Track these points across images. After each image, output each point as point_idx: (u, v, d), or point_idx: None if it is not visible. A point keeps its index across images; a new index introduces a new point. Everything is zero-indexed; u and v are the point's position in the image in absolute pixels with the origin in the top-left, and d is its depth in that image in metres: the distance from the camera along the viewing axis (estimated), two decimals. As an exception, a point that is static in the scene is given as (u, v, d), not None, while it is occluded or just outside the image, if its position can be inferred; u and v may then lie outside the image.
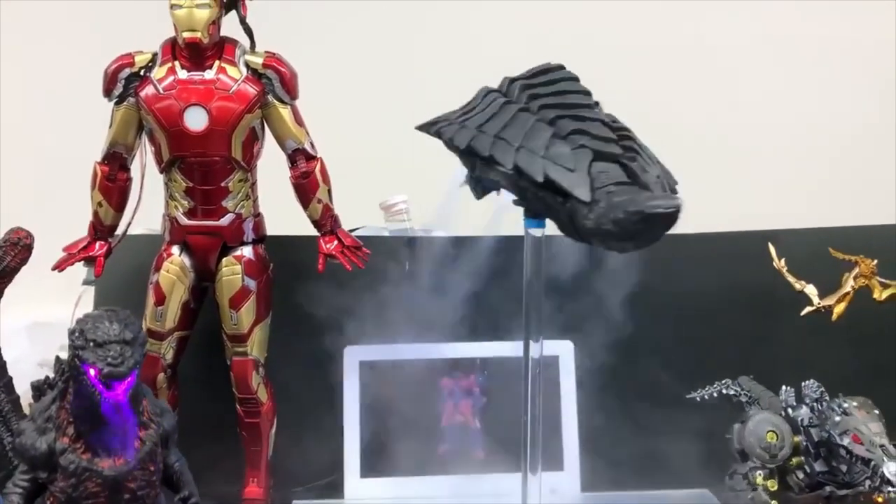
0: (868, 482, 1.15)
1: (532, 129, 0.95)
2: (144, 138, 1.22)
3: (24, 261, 0.95)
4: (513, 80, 1.08)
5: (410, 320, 1.39)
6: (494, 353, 1.41)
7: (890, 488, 1.10)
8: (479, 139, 0.98)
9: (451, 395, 1.40)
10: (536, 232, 1.10)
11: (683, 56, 1.86)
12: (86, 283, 1.38)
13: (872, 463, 1.10)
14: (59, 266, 1.22)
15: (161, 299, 1.20)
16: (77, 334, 0.77)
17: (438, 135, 1.07)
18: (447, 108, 1.25)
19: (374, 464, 1.36)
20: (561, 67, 1.07)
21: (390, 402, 1.39)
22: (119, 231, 1.27)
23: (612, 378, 1.42)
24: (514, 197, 1.07)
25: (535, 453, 1.13)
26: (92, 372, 0.76)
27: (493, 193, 1.23)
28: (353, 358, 1.39)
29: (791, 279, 1.29)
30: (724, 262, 1.44)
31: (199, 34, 1.13)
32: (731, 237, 1.46)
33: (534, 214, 1.01)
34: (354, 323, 1.39)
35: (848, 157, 1.77)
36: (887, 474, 1.07)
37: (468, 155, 1.01)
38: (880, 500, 1.16)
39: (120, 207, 1.24)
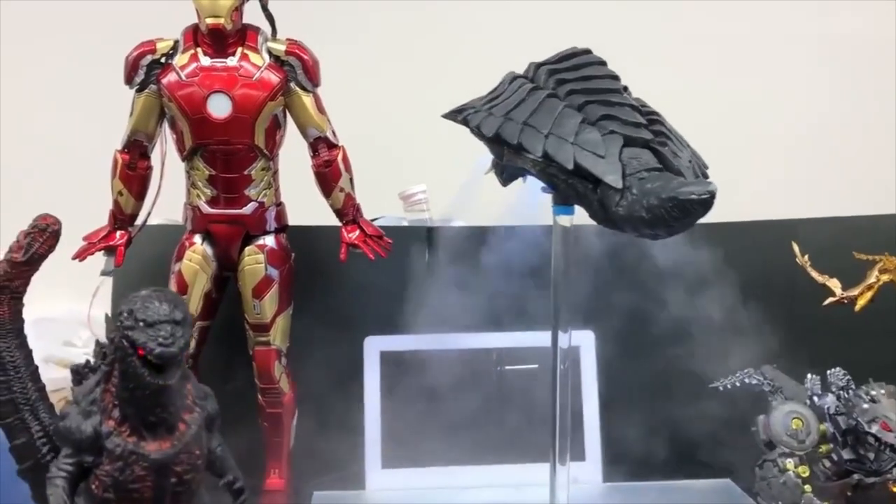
0: (895, 471, 1.15)
1: (561, 115, 0.94)
2: (165, 126, 1.21)
3: (51, 248, 0.93)
4: (539, 65, 1.07)
5: (431, 310, 1.38)
6: (515, 343, 1.41)
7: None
8: (507, 127, 0.97)
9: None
10: (564, 220, 1.09)
11: (699, 49, 1.85)
12: (104, 273, 1.36)
13: None
14: (80, 255, 1.21)
15: (183, 289, 1.19)
16: (126, 315, 0.76)
17: (465, 123, 1.06)
18: (466, 96, 1.24)
19: (395, 454, 1.35)
20: (587, 52, 1.06)
21: (411, 393, 1.38)
22: (139, 221, 1.25)
23: (633, 368, 1.42)
24: (541, 184, 1.07)
25: (563, 444, 1.13)
26: (141, 353, 0.75)
27: (520, 180, 1.23)
28: (374, 348, 1.39)
29: (815, 274, 1.28)
30: (745, 251, 1.43)
31: (222, 20, 1.12)
32: (751, 226, 1.45)
33: (563, 201, 1.00)
34: (375, 313, 1.39)
35: (868, 147, 1.77)
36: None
37: (496, 143, 1.00)
38: None
39: (140, 196, 1.23)
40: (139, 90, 1.17)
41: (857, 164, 1.75)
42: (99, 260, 1.27)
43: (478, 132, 1.02)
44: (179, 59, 1.16)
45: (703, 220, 1.42)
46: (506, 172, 1.16)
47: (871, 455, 1.15)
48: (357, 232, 1.24)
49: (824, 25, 1.88)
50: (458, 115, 1.07)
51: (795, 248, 1.31)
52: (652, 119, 0.96)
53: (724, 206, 1.36)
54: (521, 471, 1.36)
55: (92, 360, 0.84)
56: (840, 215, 1.44)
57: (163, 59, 1.16)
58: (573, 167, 0.89)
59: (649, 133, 0.93)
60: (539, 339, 1.40)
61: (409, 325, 1.39)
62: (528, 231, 1.38)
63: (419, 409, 1.38)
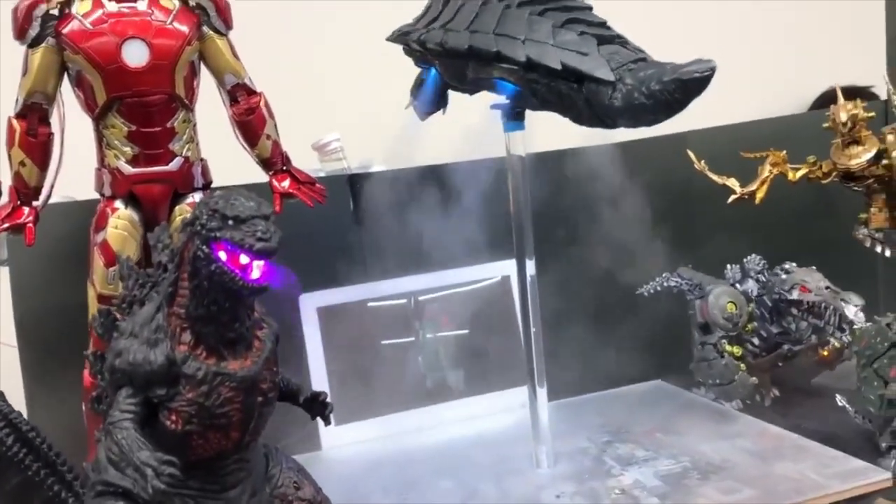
0: (814, 337, 1.27)
1: (529, 21, 0.96)
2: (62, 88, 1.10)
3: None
4: None
5: (364, 259, 1.36)
6: (451, 280, 1.41)
7: (844, 336, 1.22)
8: (479, 39, 0.97)
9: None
10: (516, 136, 1.11)
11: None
12: (-2, 263, 1.22)
13: (823, 304, 1.22)
14: (-15, 237, 1.07)
15: (112, 259, 1.09)
16: (206, 216, 0.67)
17: (421, 43, 1.04)
18: (376, 41, 1.22)
19: (347, 409, 1.32)
20: None
21: (354, 345, 1.36)
22: (43, 195, 1.13)
23: (558, 290, 1.47)
24: (497, 102, 1.08)
25: (540, 367, 1.16)
26: (223, 256, 0.67)
27: (439, 113, 1.23)
28: (310, 305, 1.34)
29: (713, 177, 1.38)
30: (643, 166, 1.52)
31: (128, -40, 1.03)
32: (647, 143, 1.53)
33: (539, 107, 1.00)
34: (306, 269, 1.34)
35: (746, 55, 1.92)
36: (850, 316, 1.20)
37: (465, 57, 0.99)
38: (825, 353, 1.29)
39: (44, 165, 1.11)
40: (33, 45, 1.05)
41: (737, 74, 1.88)
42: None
43: (440, 49, 1.01)
44: (80, 7, 1.05)
45: (597, 142, 1.50)
46: (428, 107, 1.15)
47: (794, 326, 1.27)
48: (288, 180, 1.19)
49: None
50: (407, 37, 1.06)
51: (691, 154, 1.41)
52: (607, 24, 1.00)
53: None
54: (474, 403, 1.38)
55: (137, 292, 0.75)
56: (725, 124, 1.56)
57: (57, 9, 1.05)
58: (561, 67, 0.91)
59: (614, 32, 0.96)
60: (473, 273, 1.43)
61: (343, 278, 1.36)
62: (451, 169, 1.39)
63: (364, 361, 1.36)
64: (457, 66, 1.03)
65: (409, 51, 1.12)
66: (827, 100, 1.71)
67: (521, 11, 0.96)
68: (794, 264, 1.30)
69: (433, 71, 1.10)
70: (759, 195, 1.37)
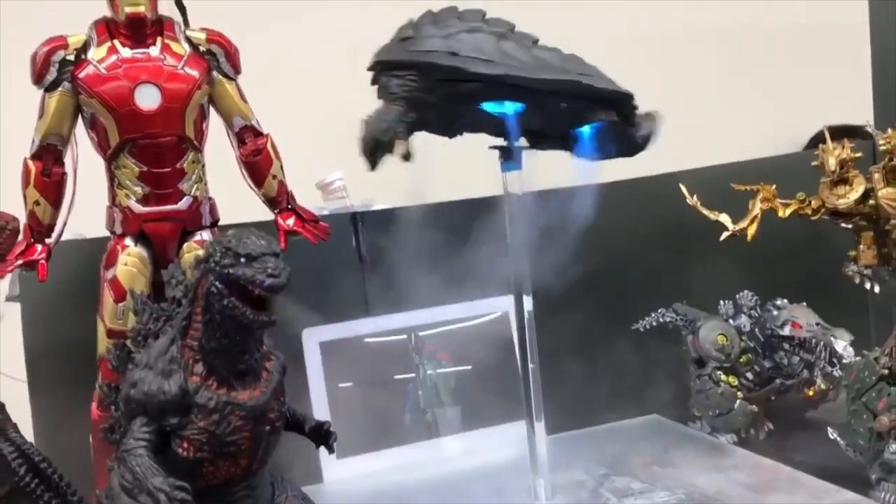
0: (806, 372, 1.30)
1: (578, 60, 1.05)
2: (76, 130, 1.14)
3: (9, 249, 0.86)
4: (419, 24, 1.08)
5: (368, 295, 1.39)
6: (451, 316, 1.44)
7: (834, 370, 1.24)
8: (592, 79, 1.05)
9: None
10: (513, 175, 1.16)
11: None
12: (10, 299, 1.26)
13: (814, 341, 1.25)
14: (-1, 273, 1.10)
15: (122, 295, 1.12)
16: (220, 254, 0.71)
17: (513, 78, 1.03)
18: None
19: (349, 443, 1.34)
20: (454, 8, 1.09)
21: (356, 379, 1.38)
22: (55, 232, 1.17)
23: (556, 325, 1.50)
24: (495, 143, 1.12)
25: (538, 402, 1.18)
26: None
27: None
28: (313, 340, 1.37)
29: (706, 212, 1.41)
30: (639, 204, 1.56)
31: (142, 8, 1.09)
32: (637, 183, 1.57)
33: (606, 146, 1.11)
34: (311, 304, 1.37)
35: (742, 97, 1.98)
36: (839, 350, 1.23)
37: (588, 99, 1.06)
38: (811, 393, 1.32)
39: (57, 204, 1.15)
40: (50, 89, 1.10)
41: (732, 115, 1.94)
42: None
43: (586, 88, 1.05)
44: (96, 53, 1.10)
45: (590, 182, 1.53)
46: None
47: (786, 361, 1.30)
48: (293, 218, 1.23)
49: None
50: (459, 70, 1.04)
51: (683, 189, 1.44)
52: None
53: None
54: (473, 437, 1.40)
55: (152, 325, 0.78)
56: (714, 164, 1.60)
57: (74, 55, 1.10)
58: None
59: None
60: (473, 309, 1.46)
61: (345, 313, 1.39)
62: (451, 207, 1.43)
63: (365, 395, 1.38)
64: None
65: (449, 88, 1.07)
66: (821, 141, 1.75)
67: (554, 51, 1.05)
68: (785, 300, 1.33)
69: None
70: (751, 231, 1.40)
